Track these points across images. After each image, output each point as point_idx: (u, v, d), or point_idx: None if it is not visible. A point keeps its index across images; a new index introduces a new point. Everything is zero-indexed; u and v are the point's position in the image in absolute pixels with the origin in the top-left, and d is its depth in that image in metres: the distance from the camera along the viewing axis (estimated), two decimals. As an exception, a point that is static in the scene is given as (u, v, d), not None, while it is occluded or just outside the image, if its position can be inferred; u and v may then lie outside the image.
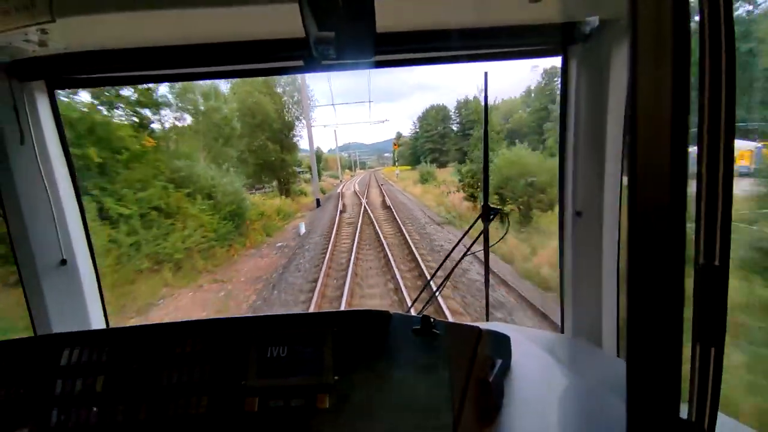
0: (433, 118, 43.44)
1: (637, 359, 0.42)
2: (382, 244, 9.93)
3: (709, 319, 0.43)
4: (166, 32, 1.13)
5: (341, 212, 16.16)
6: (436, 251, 9.46)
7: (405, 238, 10.44)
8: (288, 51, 1.20)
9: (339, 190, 29.31)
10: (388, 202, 18.64)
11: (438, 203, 17.40)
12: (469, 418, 0.82)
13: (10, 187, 1.26)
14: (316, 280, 7.66)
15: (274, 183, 19.20)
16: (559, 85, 1.35)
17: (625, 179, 1.23)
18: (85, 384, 0.91)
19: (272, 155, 19.31)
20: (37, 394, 0.91)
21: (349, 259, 8.70)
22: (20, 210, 1.28)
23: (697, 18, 0.39)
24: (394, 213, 15.07)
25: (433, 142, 43.64)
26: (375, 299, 6.85)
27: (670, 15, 0.35)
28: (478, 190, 14.80)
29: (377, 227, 12.30)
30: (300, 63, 1.26)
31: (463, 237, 1.57)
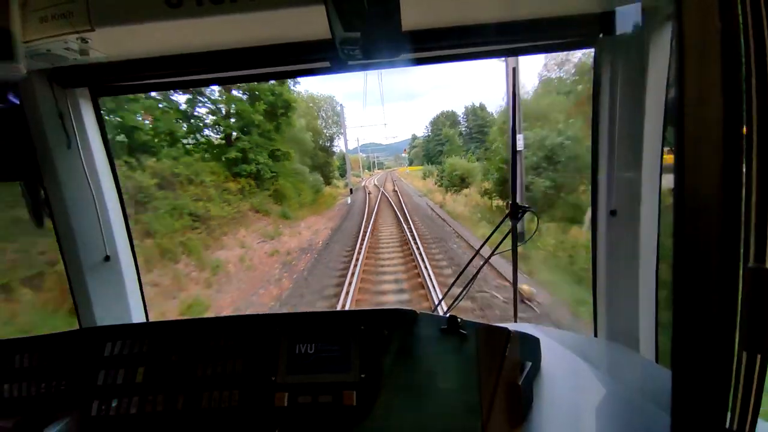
0: (443, 123, 47.43)
1: (684, 368, 0.40)
2: (390, 204, 21.44)
3: (757, 325, 0.40)
4: (200, 39, 1.18)
5: (369, 194, 29.22)
6: (413, 203, 21.78)
7: (400, 201, 22.66)
8: (315, 53, 1.22)
9: (363, 185, 40.34)
10: (396, 189, 34.60)
11: (424, 188, 32.55)
12: (497, 422, 0.80)
13: (57, 188, 1.34)
14: (363, 217, 16.29)
15: (320, 177, 25.96)
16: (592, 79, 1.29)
17: (664, 177, 1.17)
18: (127, 375, 0.96)
19: (321, 159, 28.80)
20: (81, 383, 0.97)
21: (373, 209, 18.85)
22: (66, 210, 1.36)
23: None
24: (398, 193, 30.01)
25: (441, 145, 46.82)
26: (387, 218, 15.15)
27: (717, 5, 0.33)
28: (444, 179, 23.83)
29: (389, 199, 24.70)
30: (327, 64, 1.27)
31: (490, 236, 1.54)
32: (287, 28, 1.13)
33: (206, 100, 14.60)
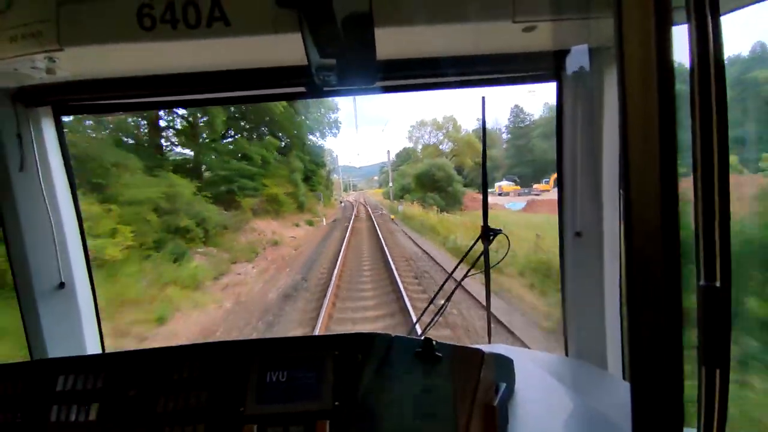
0: (405, 155, 51.72)
1: (641, 382, 0.41)
2: (364, 209, 34.49)
3: (713, 341, 0.43)
4: (171, 61, 1.17)
5: (351, 202, 49.60)
6: (372, 203, 43.35)
7: (367, 209, 33.91)
8: (290, 78, 1.24)
9: (345, 201, 51.99)
10: (366, 202, 46.99)
11: (380, 201, 44.81)
12: None
13: (13, 210, 1.27)
14: (351, 214, 28.41)
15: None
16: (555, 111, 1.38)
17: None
18: (80, 411, 0.89)
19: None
20: (33, 420, 0.88)
21: (353, 212, 30.87)
22: (21, 233, 1.28)
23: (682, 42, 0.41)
24: (366, 205, 40.81)
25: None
26: (362, 222, 21.42)
27: (653, 41, 0.37)
28: (389, 193, 35.11)
29: (363, 208, 37.05)
30: (302, 89, 1.29)
31: (462, 259, 1.56)
32: (263, 53, 1.15)
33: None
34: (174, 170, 11.68)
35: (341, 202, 43.91)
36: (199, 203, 11.29)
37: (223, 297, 8.61)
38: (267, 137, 15.27)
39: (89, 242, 1.49)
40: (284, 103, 14.87)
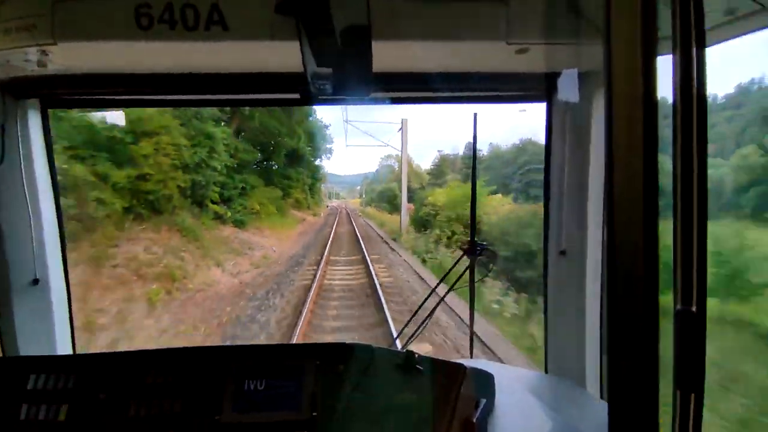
0: (376, 176, 64.26)
1: (618, 403, 0.42)
2: (345, 214, 41.29)
3: (688, 365, 0.43)
4: (166, 61, 1.16)
5: (337, 208, 57.09)
6: (350, 209, 55.40)
7: (348, 214, 41.86)
8: (285, 84, 1.24)
9: (330, 206, 61.87)
10: (348, 210, 52.27)
11: (356, 207, 62.43)
12: None
13: None
14: (337, 213, 43.42)
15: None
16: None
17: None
18: (50, 411, 0.85)
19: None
20: (3, 417, 0.85)
21: (339, 213, 40.79)
22: None
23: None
24: (348, 211, 48.16)
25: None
26: (344, 226, 25.42)
27: (640, 69, 0.38)
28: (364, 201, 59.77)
29: (345, 213, 43.71)
30: (296, 96, 1.30)
31: (447, 273, 1.57)
32: (259, 59, 1.15)
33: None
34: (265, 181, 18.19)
35: (327, 206, 55.83)
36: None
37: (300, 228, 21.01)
38: (295, 167, 23.02)
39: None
40: (305, 139, 21.45)
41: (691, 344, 0.43)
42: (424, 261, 12.18)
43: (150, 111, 8.74)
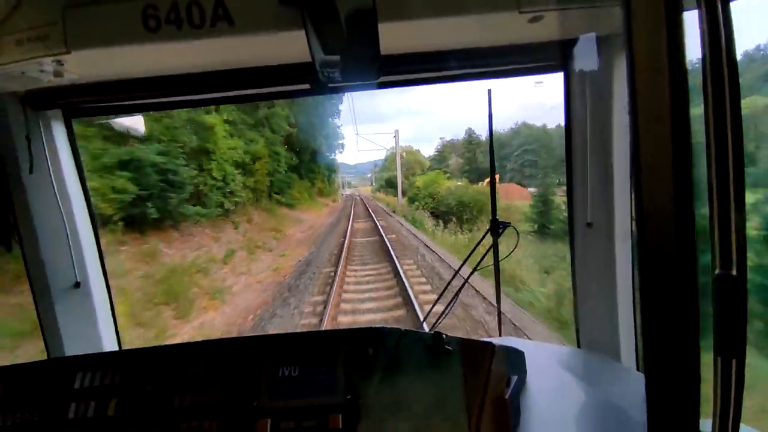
0: (385, 166, 70.93)
1: (656, 374, 0.41)
2: (360, 200, 46.01)
3: (729, 331, 0.42)
4: (177, 61, 1.18)
5: (352, 196, 61.56)
6: (364, 196, 61.30)
7: (362, 200, 46.84)
8: (295, 75, 1.24)
9: (345, 195, 63.66)
10: (360, 194, 67.58)
11: (369, 194, 70.47)
12: None
13: (26, 212, 1.29)
14: (353, 199, 47.96)
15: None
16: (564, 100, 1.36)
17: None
18: (98, 407, 0.91)
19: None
20: (52, 417, 0.91)
21: (354, 201, 44.25)
22: (35, 235, 1.31)
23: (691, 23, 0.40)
24: (362, 198, 53.34)
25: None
26: (359, 207, 33.00)
27: (664, 27, 0.36)
28: (381, 190, 60.70)
29: (360, 200, 47.79)
30: (307, 86, 1.29)
31: (471, 252, 1.56)
32: (267, 51, 1.15)
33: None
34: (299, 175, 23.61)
35: (343, 194, 59.61)
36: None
37: (326, 210, 28.07)
38: (317, 162, 27.95)
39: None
40: (324, 141, 27.43)
41: (732, 309, 0.41)
42: (405, 217, 22.24)
43: (259, 145, 16.00)
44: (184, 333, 6.50)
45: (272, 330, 6.28)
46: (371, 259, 10.41)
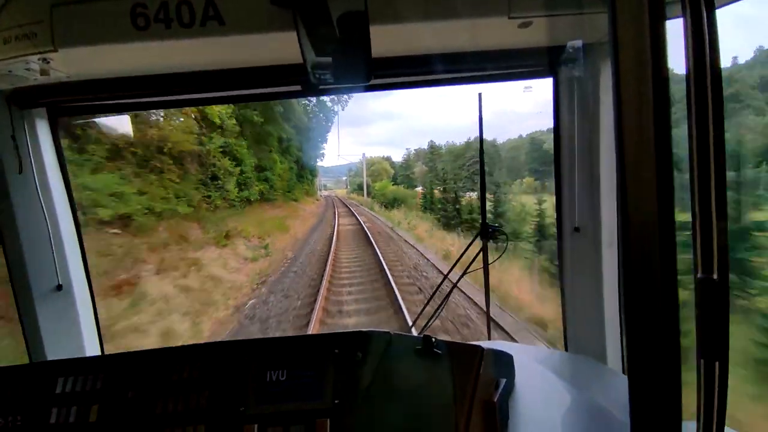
0: (357, 171, 79.50)
1: (638, 376, 0.41)
2: (339, 200, 52.05)
3: (711, 334, 0.43)
4: (166, 60, 1.16)
5: (330, 196, 62.37)
6: (339, 196, 66.89)
7: (340, 199, 55.62)
8: (286, 76, 1.23)
9: (324, 196, 65.77)
10: (338, 197, 63.77)
11: (344, 195, 72.13)
12: None
13: (8, 213, 1.26)
14: (332, 199, 53.78)
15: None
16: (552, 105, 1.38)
17: None
18: (80, 413, 0.88)
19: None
20: (33, 422, 0.88)
21: (334, 200, 49.70)
22: (18, 236, 1.27)
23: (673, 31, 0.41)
24: (339, 197, 61.72)
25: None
26: (338, 203, 43.86)
27: (648, 36, 0.37)
28: (354, 192, 71.33)
29: (338, 200, 53.17)
30: (298, 88, 1.29)
31: (461, 256, 1.56)
32: (258, 52, 1.14)
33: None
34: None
35: (321, 196, 61.55)
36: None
37: (316, 203, 35.92)
38: (304, 168, 30.46)
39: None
40: (314, 150, 30.41)
41: (714, 312, 0.42)
42: (367, 206, 37.85)
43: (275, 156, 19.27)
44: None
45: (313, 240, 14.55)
46: (349, 220, 23.52)
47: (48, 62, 1.06)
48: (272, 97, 1.42)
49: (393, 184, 50.02)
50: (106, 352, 1.52)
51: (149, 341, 5.65)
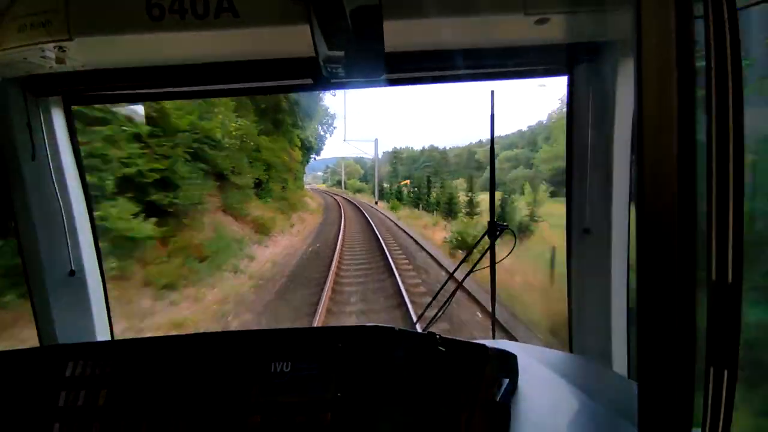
0: (334, 169, 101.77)
1: (649, 382, 0.41)
2: (320, 192, 66.31)
3: (722, 340, 0.42)
4: (180, 51, 1.17)
5: (316, 190, 70.38)
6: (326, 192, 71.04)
7: (321, 191, 67.80)
8: (298, 70, 1.23)
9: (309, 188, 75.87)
10: (320, 189, 76.26)
11: (327, 190, 79.12)
12: None
13: (23, 199, 1.29)
14: (318, 193, 60.02)
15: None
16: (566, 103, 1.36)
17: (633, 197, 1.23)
18: (88, 397, 0.90)
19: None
20: (42, 405, 0.90)
21: (323, 193, 62.57)
22: (32, 222, 1.30)
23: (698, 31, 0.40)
24: (320, 190, 74.73)
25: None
26: (328, 195, 53.78)
27: (673, 35, 0.36)
28: (333, 186, 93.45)
29: (323, 192, 68.20)
30: (309, 81, 1.29)
31: (468, 255, 1.56)
32: (271, 45, 1.14)
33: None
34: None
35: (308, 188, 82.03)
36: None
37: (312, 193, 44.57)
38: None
39: (98, 231, 1.52)
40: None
41: (726, 319, 0.41)
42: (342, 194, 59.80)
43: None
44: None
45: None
46: (339, 198, 44.15)
47: (64, 51, 1.07)
48: (284, 90, 1.42)
49: (362, 182, 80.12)
50: (116, 338, 1.54)
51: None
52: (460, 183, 36.48)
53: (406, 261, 10.66)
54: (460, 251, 12.26)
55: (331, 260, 10.06)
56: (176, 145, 8.59)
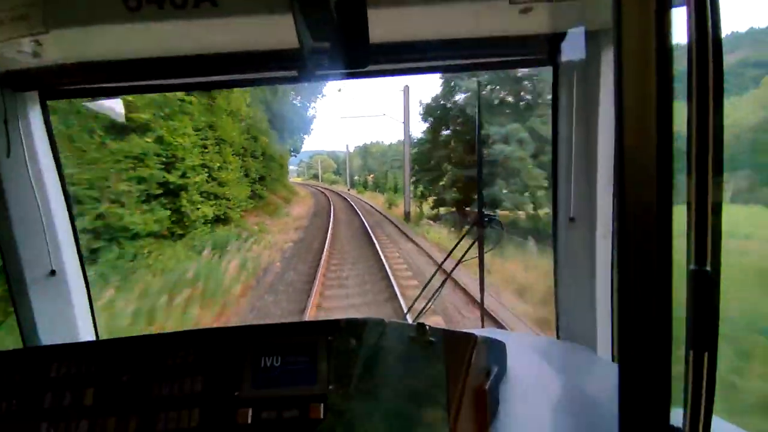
0: (310, 163, 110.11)
1: (629, 364, 0.42)
2: (301, 183, 74.59)
3: (701, 325, 0.43)
4: (159, 44, 1.14)
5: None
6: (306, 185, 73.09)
7: (301, 183, 69.68)
8: (282, 62, 1.21)
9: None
10: (297, 182, 70.36)
11: (303, 180, 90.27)
12: (465, 427, 0.81)
13: (0, 197, 1.24)
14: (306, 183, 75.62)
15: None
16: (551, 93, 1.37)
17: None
18: (75, 397, 0.89)
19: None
20: (28, 406, 0.89)
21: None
22: (10, 220, 1.26)
23: (679, 24, 0.40)
24: (302, 185, 68.26)
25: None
26: (309, 186, 62.60)
27: (653, 25, 0.36)
28: (309, 179, 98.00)
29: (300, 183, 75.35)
30: (294, 73, 1.27)
31: (456, 245, 1.57)
32: (253, 36, 1.12)
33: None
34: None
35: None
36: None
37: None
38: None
39: (79, 229, 1.48)
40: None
41: (705, 304, 0.42)
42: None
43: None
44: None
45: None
46: (316, 191, 46.97)
47: (40, 44, 1.04)
48: (267, 82, 1.39)
49: (336, 174, 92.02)
50: (101, 338, 1.52)
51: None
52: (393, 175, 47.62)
53: (362, 210, 24.72)
54: (389, 206, 26.75)
55: (329, 213, 22.23)
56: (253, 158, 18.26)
